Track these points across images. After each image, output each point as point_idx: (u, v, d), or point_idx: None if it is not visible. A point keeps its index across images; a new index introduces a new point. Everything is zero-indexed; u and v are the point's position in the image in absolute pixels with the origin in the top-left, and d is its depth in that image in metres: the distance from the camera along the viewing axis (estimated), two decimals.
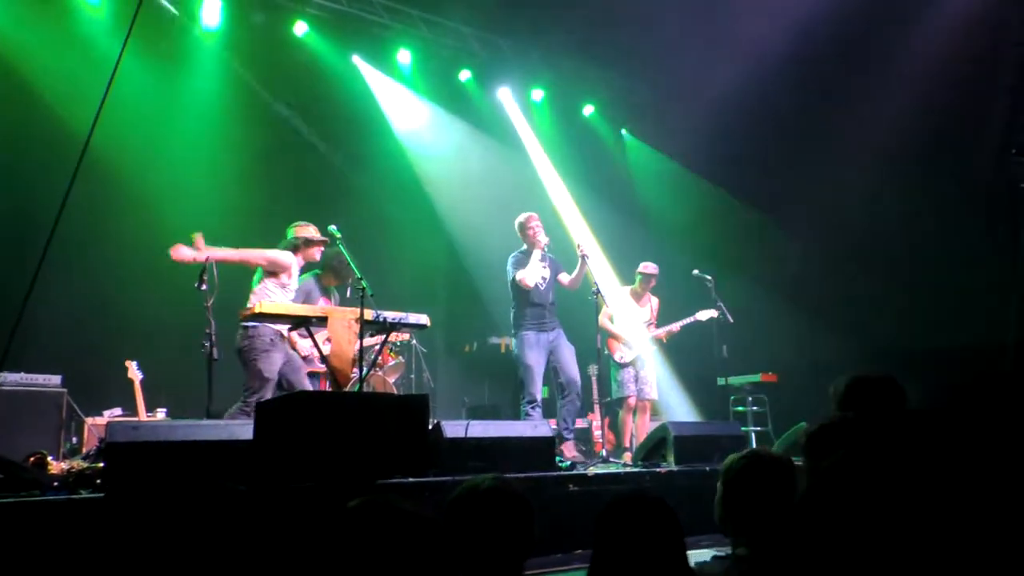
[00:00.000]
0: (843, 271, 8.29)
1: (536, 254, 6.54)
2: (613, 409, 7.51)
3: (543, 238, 6.58)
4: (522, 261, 6.58)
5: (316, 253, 5.95)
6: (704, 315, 7.43)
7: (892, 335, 7.82)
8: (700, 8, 8.03)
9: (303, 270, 6.07)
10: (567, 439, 6.35)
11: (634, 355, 7.26)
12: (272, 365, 5.46)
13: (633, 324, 7.33)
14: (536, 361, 6.40)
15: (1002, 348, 6.79)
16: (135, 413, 6.39)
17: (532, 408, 6.31)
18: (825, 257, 8.51)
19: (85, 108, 4.86)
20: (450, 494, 2.21)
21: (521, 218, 6.73)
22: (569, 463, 5.62)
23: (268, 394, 5.41)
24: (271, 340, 5.47)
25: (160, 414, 6.57)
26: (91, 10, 7.57)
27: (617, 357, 7.28)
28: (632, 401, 7.20)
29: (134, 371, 6.48)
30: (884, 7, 7.31)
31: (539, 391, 6.40)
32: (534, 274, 6.49)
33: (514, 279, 6.53)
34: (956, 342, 7.28)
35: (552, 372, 6.56)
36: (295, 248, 5.81)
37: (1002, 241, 6.85)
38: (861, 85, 7.63)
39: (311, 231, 5.89)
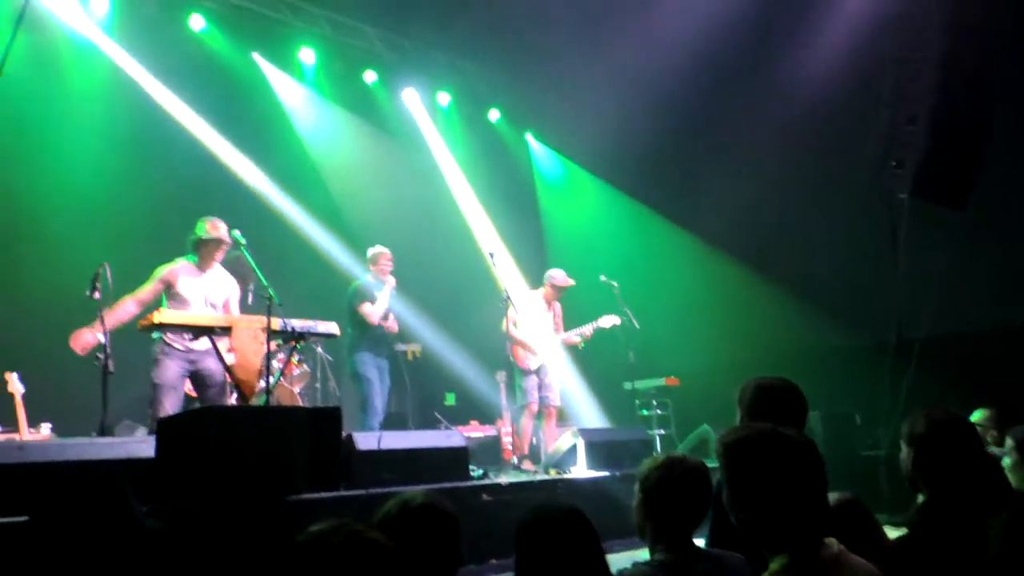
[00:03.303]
0: (739, 274, 8.58)
1: (386, 289, 6.89)
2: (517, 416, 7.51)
3: (391, 277, 6.97)
4: (370, 295, 6.88)
5: (220, 255, 5.69)
6: (607, 322, 7.39)
7: (786, 336, 8.15)
8: (603, 12, 8.16)
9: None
10: None
11: (539, 362, 7.24)
12: (164, 372, 5.24)
13: (539, 330, 7.30)
14: (377, 377, 6.85)
15: (886, 347, 7.21)
16: (16, 429, 5.94)
17: (378, 422, 6.65)
18: (723, 260, 8.78)
19: None
20: (372, 509, 2.16)
21: (374, 251, 7.11)
22: (481, 472, 5.60)
23: (167, 404, 5.16)
24: (162, 350, 5.28)
25: (44, 429, 6.13)
26: None
27: (523, 364, 7.23)
28: (534, 407, 7.17)
29: (15, 384, 6.01)
30: (782, 15, 7.63)
31: (383, 405, 6.84)
32: (380, 309, 6.86)
33: (360, 310, 6.81)
34: (849, 342, 7.68)
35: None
36: (201, 246, 5.54)
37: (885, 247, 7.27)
38: (762, 90, 7.92)
39: (222, 231, 5.56)
